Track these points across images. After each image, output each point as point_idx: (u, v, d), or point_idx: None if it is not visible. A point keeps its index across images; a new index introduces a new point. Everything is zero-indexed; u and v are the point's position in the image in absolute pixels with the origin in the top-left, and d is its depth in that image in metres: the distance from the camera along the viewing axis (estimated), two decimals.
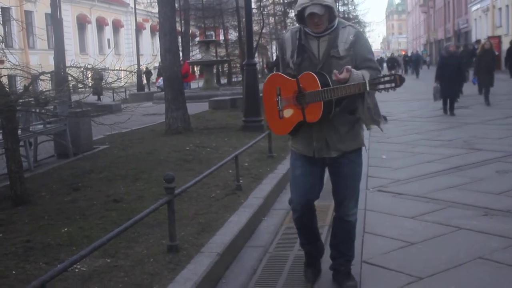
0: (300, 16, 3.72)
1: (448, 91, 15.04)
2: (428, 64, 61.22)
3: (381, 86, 3.44)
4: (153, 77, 41.80)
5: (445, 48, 16.28)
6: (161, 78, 23.26)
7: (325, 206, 5.95)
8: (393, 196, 6.76)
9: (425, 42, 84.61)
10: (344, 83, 3.50)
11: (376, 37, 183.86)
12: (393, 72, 2.81)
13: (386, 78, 3.42)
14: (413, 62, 44.75)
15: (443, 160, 8.73)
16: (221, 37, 43.44)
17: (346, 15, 53.14)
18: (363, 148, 4.01)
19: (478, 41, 33.36)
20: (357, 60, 3.72)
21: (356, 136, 3.91)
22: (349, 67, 3.53)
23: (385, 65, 44.99)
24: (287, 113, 3.79)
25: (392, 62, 44.13)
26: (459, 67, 15.36)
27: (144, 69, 39.90)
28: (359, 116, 3.79)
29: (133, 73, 27.60)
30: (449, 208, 6.08)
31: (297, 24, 3.91)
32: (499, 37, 39.30)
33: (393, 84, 3.40)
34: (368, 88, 3.42)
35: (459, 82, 15.82)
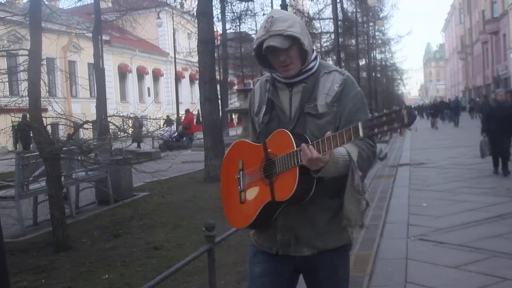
0: (260, 56, 2.74)
1: (498, 148, 12.48)
2: (467, 110, 58.32)
3: (382, 129, 2.20)
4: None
5: (494, 97, 13.38)
6: (164, 127, 23.67)
7: (365, 255, 5.88)
8: (435, 245, 6.64)
9: (463, 88, 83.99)
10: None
11: (414, 84, 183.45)
12: (398, 107, 2.21)
13: (389, 117, 2.17)
14: (452, 109, 41.18)
15: (486, 208, 8.56)
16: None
17: (383, 63, 53.38)
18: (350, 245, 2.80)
19: None
20: (341, 121, 2.61)
21: (340, 229, 2.66)
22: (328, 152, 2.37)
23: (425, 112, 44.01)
24: (251, 193, 2.68)
25: (436, 109, 40.27)
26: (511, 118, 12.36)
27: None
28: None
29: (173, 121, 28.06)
30: (493, 258, 5.94)
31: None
32: None
33: (399, 124, 2.14)
34: (362, 134, 2.22)
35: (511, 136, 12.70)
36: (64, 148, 7.20)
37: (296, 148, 2.42)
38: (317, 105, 2.63)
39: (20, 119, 15.95)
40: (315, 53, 2.77)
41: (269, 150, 2.60)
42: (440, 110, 43.65)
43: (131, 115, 9.26)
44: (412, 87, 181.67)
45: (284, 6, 12.72)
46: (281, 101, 2.73)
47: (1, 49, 9.50)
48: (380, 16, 43.22)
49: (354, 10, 34.30)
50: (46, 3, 10.14)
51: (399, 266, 5.80)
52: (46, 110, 7.94)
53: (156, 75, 54.49)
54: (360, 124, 2.21)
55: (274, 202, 2.53)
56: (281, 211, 2.59)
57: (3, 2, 14.70)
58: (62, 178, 7.44)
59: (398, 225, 7.76)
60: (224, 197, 2.87)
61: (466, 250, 6.28)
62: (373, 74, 43.22)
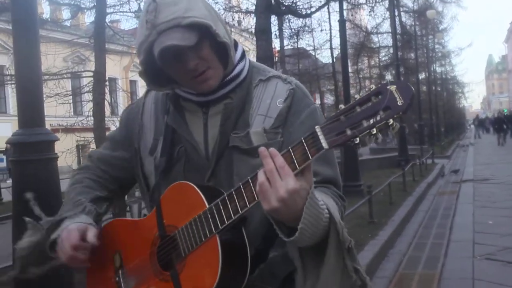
0: (151, 70, 1.68)
1: None
2: None
3: (361, 128, 1.27)
4: None
5: None
6: None
7: (429, 275, 5.76)
8: (503, 265, 6.43)
9: None
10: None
11: (476, 97, 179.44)
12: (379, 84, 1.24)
13: (365, 104, 1.29)
14: None
15: None
16: (318, 101, 43.84)
17: (444, 76, 52.48)
18: None
19: None
20: None
21: None
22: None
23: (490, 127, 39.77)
24: None
25: (500, 123, 34.52)
26: None
27: None
28: None
29: None
30: None
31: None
32: None
33: (389, 111, 1.25)
34: (325, 145, 1.30)
35: None
36: None
37: (208, 205, 1.50)
38: (249, 133, 1.66)
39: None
40: (240, 47, 1.76)
41: (164, 221, 1.61)
42: (507, 124, 37.33)
43: None
44: (474, 100, 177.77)
45: (342, 21, 12.69)
46: (191, 130, 1.71)
47: (66, 70, 9.82)
48: (440, 28, 42.53)
49: (413, 23, 33.88)
50: (109, 24, 10.42)
51: (465, 286, 5.66)
52: (109, 129, 8.15)
53: None
54: (318, 129, 1.32)
55: None
56: None
57: (68, 25, 15.23)
58: (126, 197, 7.59)
59: (463, 244, 7.56)
60: None
61: None
62: (434, 88, 42.46)
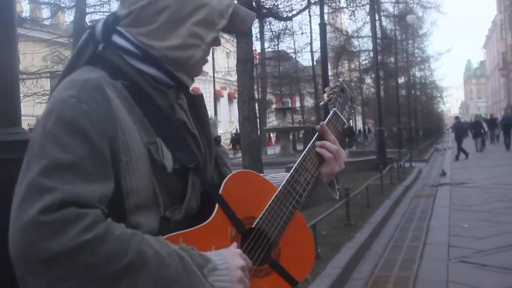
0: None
1: None
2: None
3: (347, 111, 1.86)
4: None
5: None
6: None
7: (405, 276, 5.81)
8: (477, 268, 6.51)
9: (505, 106, 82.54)
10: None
11: (454, 102, 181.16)
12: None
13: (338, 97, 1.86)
14: (505, 127, 32.94)
15: None
16: (297, 104, 43.96)
17: (423, 81, 52.95)
18: None
19: None
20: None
21: None
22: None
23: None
24: None
25: (478, 127, 32.30)
26: None
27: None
28: None
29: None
30: None
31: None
32: None
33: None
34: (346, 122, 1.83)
35: None
36: None
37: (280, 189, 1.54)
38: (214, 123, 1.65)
39: None
40: None
41: (238, 216, 1.43)
42: (484, 129, 35.56)
43: None
44: (452, 105, 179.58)
45: (322, 24, 12.74)
46: (187, 122, 1.48)
47: (45, 70, 9.75)
48: (420, 33, 42.97)
49: (393, 27, 34.17)
50: (89, 24, 10.36)
51: None
52: None
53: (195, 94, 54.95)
54: (337, 110, 1.83)
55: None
56: None
57: (47, 24, 15.10)
58: None
59: (439, 247, 7.65)
60: None
61: (509, 273, 6.14)
62: (413, 92, 42.81)
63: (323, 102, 1.88)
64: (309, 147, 1.66)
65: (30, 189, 1.11)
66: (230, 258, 1.29)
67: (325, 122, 1.74)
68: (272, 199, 1.50)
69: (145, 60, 1.38)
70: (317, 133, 1.70)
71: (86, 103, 1.21)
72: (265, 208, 1.49)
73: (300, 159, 1.62)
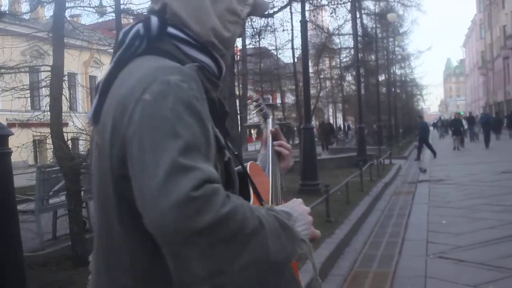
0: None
1: None
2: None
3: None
4: None
5: None
6: None
7: (383, 272, 5.85)
8: (455, 263, 6.58)
9: (484, 104, 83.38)
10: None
11: (434, 100, 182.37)
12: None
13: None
14: (483, 125, 33.12)
15: (507, 226, 8.45)
16: (278, 101, 44.00)
17: (403, 78, 53.23)
18: None
19: None
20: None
21: None
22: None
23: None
24: None
25: (457, 125, 31.53)
26: None
27: None
28: None
29: None
30: None
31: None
32: None
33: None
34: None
35: None
36: (84, 163, 7.27)
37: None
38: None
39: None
40: None
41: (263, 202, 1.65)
42: (464, 127, 34.43)
43: None
44: (432, 102, 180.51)
45: (304, 22, 12.76)
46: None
47: (24, 64, 9.64)
48: (400, 31, 43.09)
49: (374, 25, 34.27)
50: (69, 19, 10.27)
51: (418, 284, 5.78)
52: (66, 124, 8.04)
53: None
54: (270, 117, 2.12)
55: None
56: None
57: (27, 18, 14.94)
58: (82, 193, 7.51)
59: (417, 243, 7.72)
60: None
61: (486, 269, 6.22)
62: (393, 89, 43.02)
63: (257, 110, 2.07)
64: (270, 147, 1.91)
65: (173, 169, 1.17)
66: (299, 207, 1.51)
67: (275, 126, 2.02)
68: (270, 187, 1.75)
69: (201, 49, 1.44)
70: (271, 135, 1.97)
71: (195, 89, 1.29)
72: (270, 194, 1.73)
73: (271, 155, 1.87)
